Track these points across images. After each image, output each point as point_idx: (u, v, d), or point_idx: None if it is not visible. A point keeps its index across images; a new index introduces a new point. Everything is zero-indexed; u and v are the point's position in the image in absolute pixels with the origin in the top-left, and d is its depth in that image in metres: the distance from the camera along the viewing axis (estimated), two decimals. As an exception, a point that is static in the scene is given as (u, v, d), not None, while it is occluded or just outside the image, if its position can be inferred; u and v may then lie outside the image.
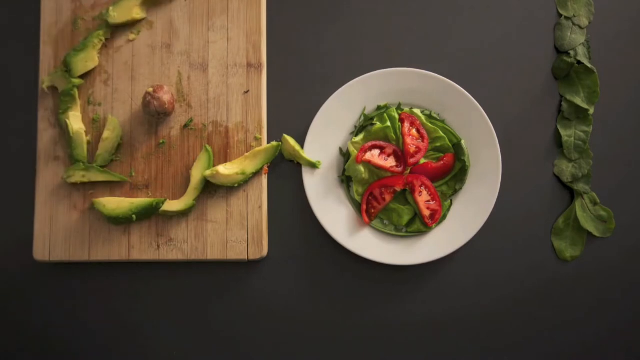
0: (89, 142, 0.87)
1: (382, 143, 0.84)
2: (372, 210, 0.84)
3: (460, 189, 0.85)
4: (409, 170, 0.84)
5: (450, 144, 0.85)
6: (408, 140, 0.83)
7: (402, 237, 0.84)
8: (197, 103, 0.87)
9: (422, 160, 0.84)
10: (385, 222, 0.85)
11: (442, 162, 0.84)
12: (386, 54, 0.89)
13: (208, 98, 0.87)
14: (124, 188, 0.86)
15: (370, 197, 0.84)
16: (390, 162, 0.84)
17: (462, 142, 0.84)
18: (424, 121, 0.84)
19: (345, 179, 0.86)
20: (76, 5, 0.90)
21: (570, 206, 0.87)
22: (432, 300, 0.86)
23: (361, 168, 0.83)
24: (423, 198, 0.83)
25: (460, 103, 0.85)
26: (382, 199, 0.84)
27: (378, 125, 0.84)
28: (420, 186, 0.82)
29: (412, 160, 0.83)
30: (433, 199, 0.82)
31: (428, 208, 0.83)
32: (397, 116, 0.84)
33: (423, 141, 0.84)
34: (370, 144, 0.84)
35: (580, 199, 0.87)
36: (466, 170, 0.84)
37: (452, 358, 0.85)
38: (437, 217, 0.83)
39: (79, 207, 0.86)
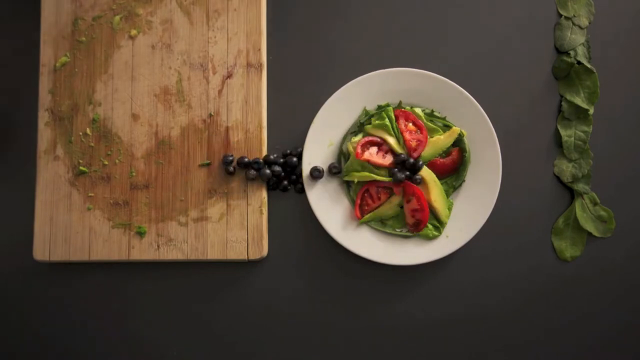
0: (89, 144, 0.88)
1: (379, 140, 0.84)
2: (366, 207, 0.84)
3: (459, 186, 0.85)
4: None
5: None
6: (407, 135, 0.83)
7: (402, 237, 0.84)
8: (197, 103, 0.87)
9: (426, 154, 0.84)
10: (384, 222, 0.85)
11: (450, 158, 0.84)
12: (386, 54, 0.89)
13: (208, 98, 0.87)
14: (124, 188, 0.86)
15: (365, 194, 0.84)
16: (388, 159, 0.84)
17: (465, 137, 0.84)
18: (424, 120, 0.84)
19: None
20: (76, 5, 0.90)
21: (570, 206, 0.87)
22: (432, 301, 0.86)
23: (359, 168, 0.83)
24: (411, 206, 0.83)
25: (460, 103, 0.85)
26: (377, 197, 0.84)
27: (375, 122, 0.84)
28: (412, 194, 0.83)
29: (415, 155, 0.83)
30: (421, 209, 0.82)
31: (413, 216, 0.83)
32: (393, 115, 0.84)
33: (422, 132, 0.84)
34: (366, 139, 0.83)
35: (580, 199, 0.87)
36: (465, 167, 0.84)
37: (452, 358, 0.85)
38: (422, 226, 0.83)
39: (79, 207, 0.86)
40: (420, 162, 0.82)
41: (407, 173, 0.83)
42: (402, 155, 0.82)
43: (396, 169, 0.82)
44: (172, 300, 0.87)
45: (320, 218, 0.84)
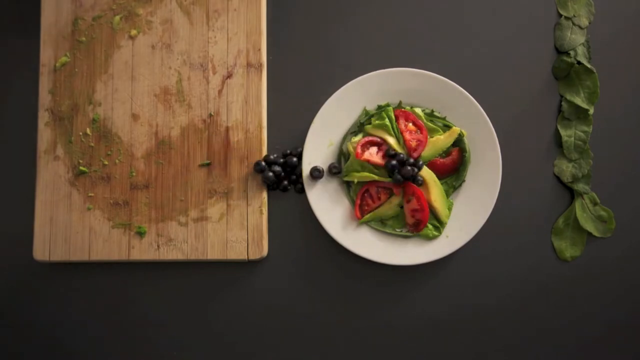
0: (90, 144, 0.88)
1: (379, 140, 0.84)
2: (366, 208, 0.84)
3: (459, 186, 0.85)
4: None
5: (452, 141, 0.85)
6: (407, 135, 0.83)
7: (402, 237, 0.84)
8: (197, 103, 0.87)
9: (426, 154, 0.84)
10: (384, 222, 0.85)
11: (449, 158, 0.84)
12: (386, 54, 0.89)
13: (208, 98, 0.87)
14: (124, 188, 0.86)
15: (365, 194, 0.84)
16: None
17: (465, 137, 0.84)
18: (424, 120, 0.84)
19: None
20: (76, 5, 0.90)
21: (570, 206, 0.87)
22: (432, 300, 0.86)
23: (359, 168, 0.83)
24: (410, 206, 0.83)
25: (460, 103, 0.85)
26: (377, 197, 0.84)
27: (375, 122, 0.84)
28: (412, 194, 0.83)
29: (415, 155, 0.83)
30: (421, 209, 0.82)
31: (413, 216, 0.83)
32: (393, 115, 0.84)
33: (422, 132, 0.84)
34: (366, 139, 0.83)
35: (580, 199, 0.87)
36: (465, 167, 0.84)
37: (452, 358, 0.85)
38: (422, 227, 0.83)
39: (79, 207, 0.86)
40: (421, 162, 0.82)
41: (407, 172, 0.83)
42: (402, 155, 0.82)
43: (395, 169, 0.82)
44: (172, 300, 0.87)
45: (320, 218, 0.84)
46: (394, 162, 0.82)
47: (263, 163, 0.84)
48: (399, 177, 0.81)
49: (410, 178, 0.82)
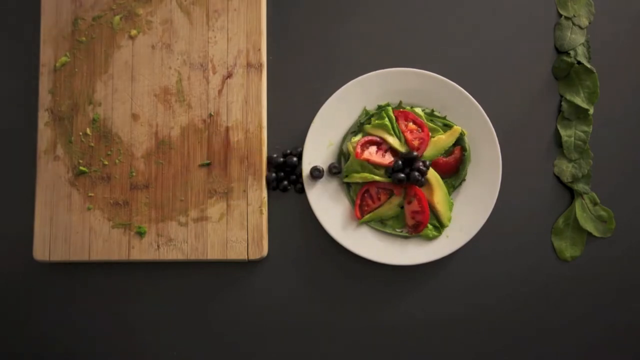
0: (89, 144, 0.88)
1: (378, 139, 0.84)
2: (366, 208, 0.84)
3: (459, 185, 0.85)
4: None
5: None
6: (409, 135, 0.83)
7: (402, 237, 0.84)
8: (197, 103, 0.87)
9: (428, 154, 0.84)
10: (384, 222, 0.85)
11: (452, 157, 0.84)
12: (386, 54, 0.89)
13: (208, 98, 0.87)
14: (124, 188, 0.86)
15: (365, 194, 0.84)
16: (387, 159, 0.84)
17: (465, 136, 0.84)
18: (425, 120, 0.84)
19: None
20: (76, 5, 0.90)
21: (570, 206, 0.87)
22: (432, 301, 0.86)
23: (359, 168, 0.83)
24: (411, 207, 0.83)
25: (460, 103, 0.85)
26: (377, 198, 0.84)
27: (374, 122, 0.84)
28: (413, 195, 0.83)
29: (419, 154, 0.83)
30: (421, 211, 0.82)
31: (413, 218, 0.83)
32: (393, 115, 0.84)
33: (423, 130, 0.83)
34: (366, 138, 0.83)
35: (580, 199, 0.87)
36: (465, 165, 0.84)
37: (452, 358, 0.85)
38: (421, 228, 0.83)
39: (79, 207, 0.86)
40: (428, 163, 0.82)
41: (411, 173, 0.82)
42: (406, 152, 0.82)
43: (398, 167, 0.82)
44: (172, 300, 0.87)
45: (320, 218, 0.84)
46: (400, 161, 0.82)
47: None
48: (402, 176, 0.81)
49: (417, 183, 0.81)
